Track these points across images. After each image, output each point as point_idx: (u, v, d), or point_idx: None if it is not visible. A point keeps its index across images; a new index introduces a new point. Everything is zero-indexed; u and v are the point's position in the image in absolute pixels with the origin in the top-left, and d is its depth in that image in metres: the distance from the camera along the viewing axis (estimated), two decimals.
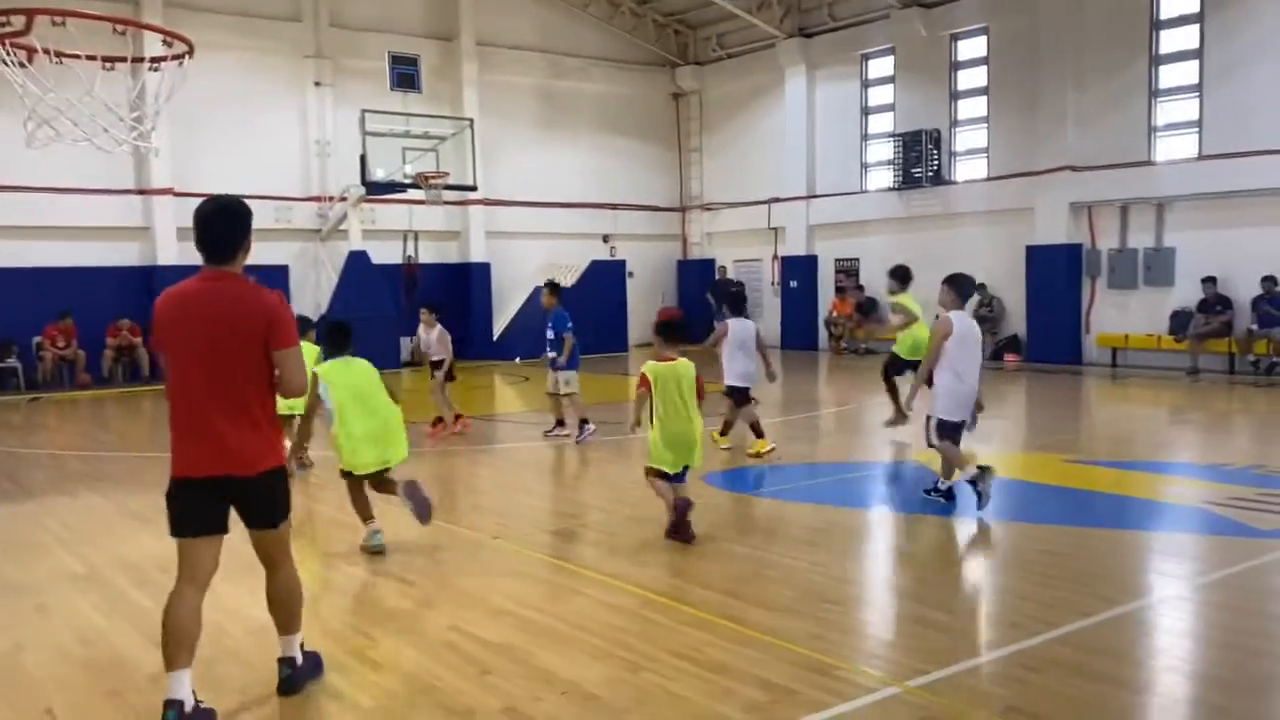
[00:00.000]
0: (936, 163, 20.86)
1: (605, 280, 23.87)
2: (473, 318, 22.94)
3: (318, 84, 21.47)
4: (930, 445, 8.31)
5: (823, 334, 23.44)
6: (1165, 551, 6.87)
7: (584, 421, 11.40)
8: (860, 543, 7.40)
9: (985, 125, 20.46)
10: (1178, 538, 7.21)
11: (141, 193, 19.49)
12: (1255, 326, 16.13)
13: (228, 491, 4.32)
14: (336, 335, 7.11)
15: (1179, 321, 17.23)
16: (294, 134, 21.37)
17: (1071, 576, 6.20)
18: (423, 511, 6.84)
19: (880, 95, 22.56)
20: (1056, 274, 18.81)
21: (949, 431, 7.90)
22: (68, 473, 10.23)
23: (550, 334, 11.45)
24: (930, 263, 21.11)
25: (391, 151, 19.73)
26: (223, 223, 4.34)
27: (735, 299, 11.71)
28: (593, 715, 4.31)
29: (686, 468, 7.22)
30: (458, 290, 22.74)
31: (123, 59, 6.99)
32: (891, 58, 22.07)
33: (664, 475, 7.12)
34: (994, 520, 7.78)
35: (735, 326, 10.84)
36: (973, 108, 20.75)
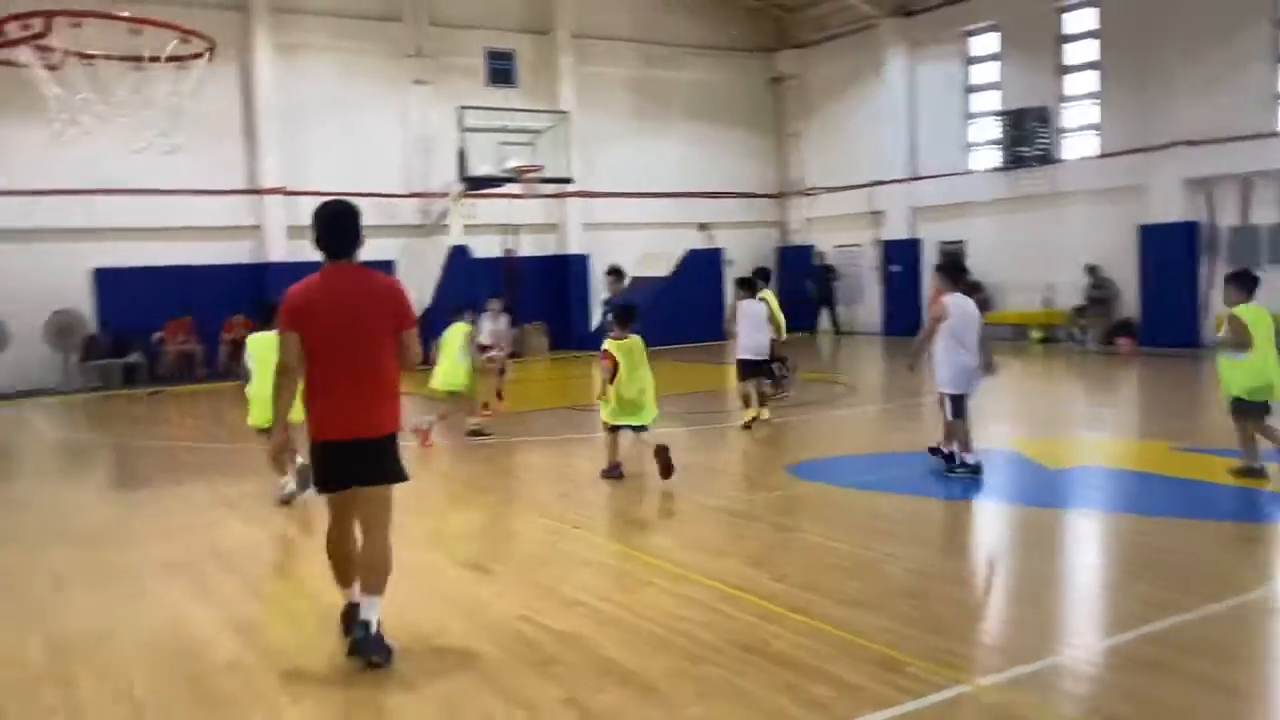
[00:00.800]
0: (1044, 141, 20.13)
1: (702, 269, 23.76)
2: (570, 309, 23.13)
3: (418, 82, 21.88)
4: (948, 420, 8.51)
5: (926, 320, 22.84)
6: (1276, 546, 6.49)
7: None
8: (944, 535, 7.19)
9: (1096, 100, 19.64)
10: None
11: (253, 193, 20.18)
12: None
13: (356, 452, 4.87)
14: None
15: None
16: (396, 132, 21.83)
17: (1171, 571, 5.90)
18: (667, 469, 8.37)
19: (984, 73, 21.88)
20: (1172, 254, 17.97)
21: (957, 404, 8.31)
22: (178, 463, 10.68)
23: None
24: (1039, 244, 20.56)
25: (489, 146, 19.99)
26: (340, 223, 4.97)
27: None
28: (652, 708, 4.28)
29: (645, 426, 8.71)
30: (556, 282, 22.95)
31: (155, 59, 7.22)
32: (996, 34, 21.37)
33: (619, 429, 8.72)
34: (1092, 511, 7.49)
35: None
36: (1082, 83, 19.95)
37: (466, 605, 5.68)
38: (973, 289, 9.02)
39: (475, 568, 6.43)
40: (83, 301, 18.66)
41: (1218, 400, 13.16)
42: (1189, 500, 7.68)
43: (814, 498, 8.23)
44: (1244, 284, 7.92)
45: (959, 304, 8.40)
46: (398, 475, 4.99)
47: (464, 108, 19.54)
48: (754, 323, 11.40)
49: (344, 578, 5.09)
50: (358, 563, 4.99)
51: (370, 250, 16.71)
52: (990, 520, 7.56)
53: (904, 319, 23.23)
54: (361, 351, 4.86)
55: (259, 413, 8.09)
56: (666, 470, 8.36)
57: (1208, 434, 10.36)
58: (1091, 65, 19.69)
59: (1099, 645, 4.84)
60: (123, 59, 6.10)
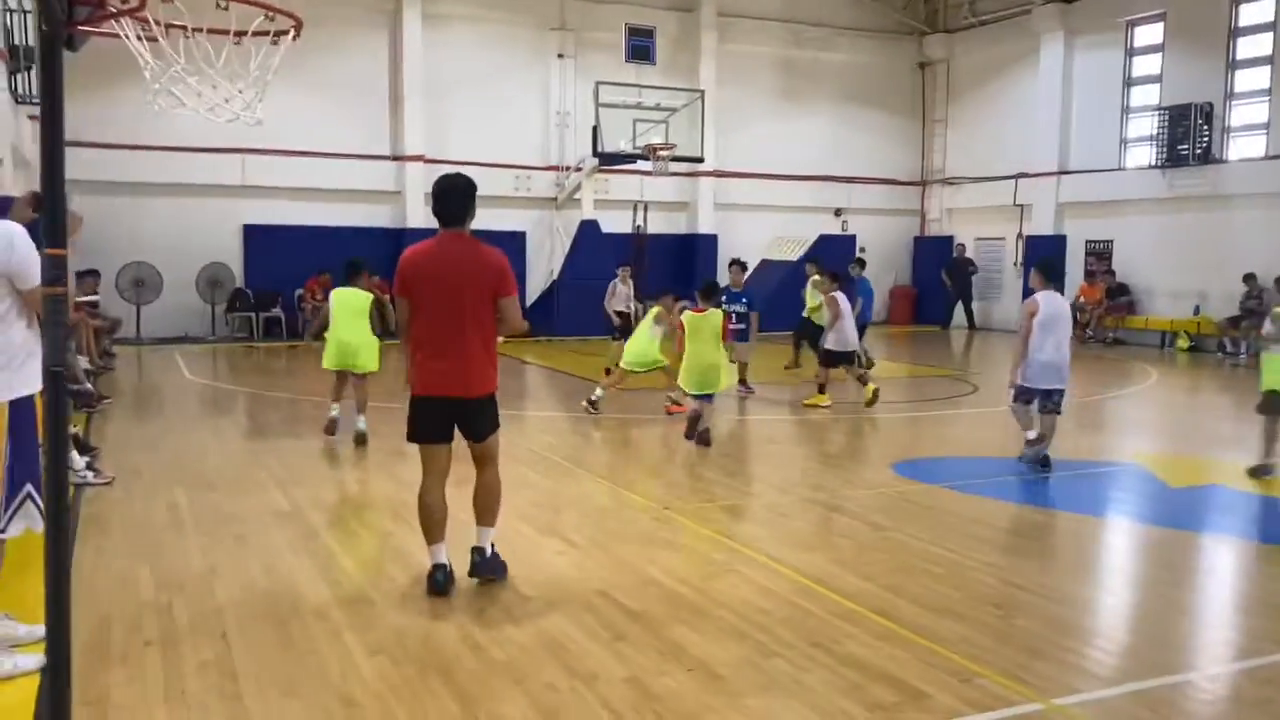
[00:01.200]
0: (1207, 139, 19.04)
1: (834, 256, 23.26)
2: (697, 288, 23.03)
3: (560, 56, 22.13)
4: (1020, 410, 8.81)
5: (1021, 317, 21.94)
6: None
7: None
8: (1045, 546, 6.91)
9: (1267, 99, 18.43)
10: None
11: (396, 159, 20.81)
12: None
13: (454, 408, 5.36)
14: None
15: None
16: (537, 105, 22.15)
17: (1274, 602, 5.55)
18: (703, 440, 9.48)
19: (1146, 65, 20.79)
20: None
21: (1023, 396, 8.64)
22: (300, 416, 11.15)
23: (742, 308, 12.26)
24: (1196, 248, 19.51)
25: (624, 123, 20.06)
26: (455, 196, 5.33)
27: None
28: (711, 694, 4.26)
29: (711, 395, 9.55)
30: (683, 261, 22.94)
31: (242, 33, 7.43)
32: (1161, 24, 20.26)
33: (691, 396, 9.59)
34: (1208, 533, 7.11)
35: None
36: (1252, 79, 18.76)
37: (545, 575, 5.77)
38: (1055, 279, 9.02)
39: (560, 538, 6.51)
40: (233, 256, 19.64)
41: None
42: None
43: (917, 497, 8.02)
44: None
45: (1050, 299, 8.60)
46: (494, 425, 5.50)
47: (600, 83, 19.65)
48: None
49: (431, 533, 5.44)
50: (474, 495, 5.56)
51: (504, 220, 17.51)
52: (1096, 535, 7.24)
53: None
54: (462, 316, 5.23)
55: (334, 357, 9.43)
56: (702, 440, 9.48)
57: None
58: (1265, 60, 18.46)
59: (1189, 676, 4.59)
60: (214, 32, 6.39)
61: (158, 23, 6.59)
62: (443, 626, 4.98)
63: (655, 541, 6.51)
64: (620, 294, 14.49)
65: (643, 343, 11.11)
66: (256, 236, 19.76)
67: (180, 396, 12.99)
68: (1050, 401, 8.63)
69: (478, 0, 21.31)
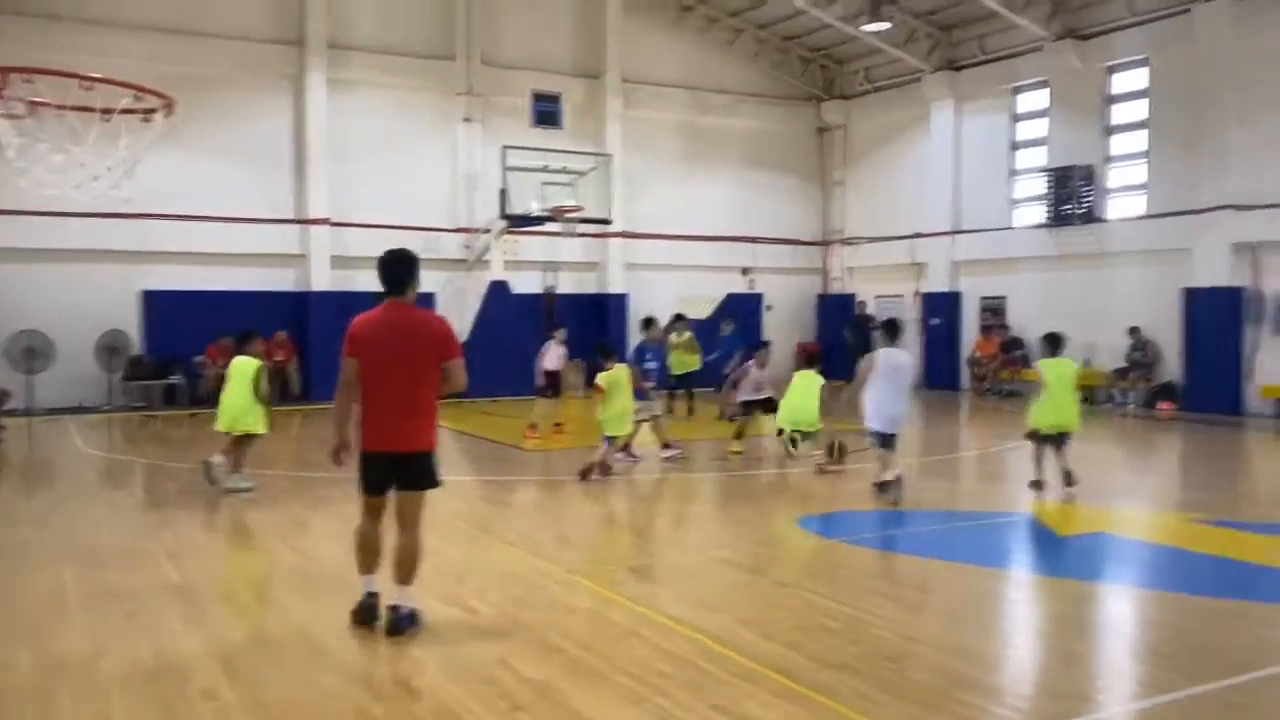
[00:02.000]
0: (1089, 199, 19.96)
1: (742, 313, 23.72)
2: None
3: (467, 120, 22.27)
4: (876, 448, 10.11)
5: (965, 374, 22.67)
6: (1278, 625, 6.31)
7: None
8: (942, 599, 7.08)
9: (1143, 161, 19.46)
10: None
11: (300, 222, 20.62)
12: None
13: (395, 463, 5.81)
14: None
15: None
16: (444, 168, 22.22)
17: (1164, 648, 5.79)
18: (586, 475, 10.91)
19: (1031, 129, 21.79)
20: (1216, 318, 17.66)
21: (882, 440, 9.94)
22: (198, 487, 10.84)
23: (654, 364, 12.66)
24: (1083, 303, 20.32)
25: (532, 186, 20.26)
26: (399, 268, 5.91)
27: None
28: None
29: (615, 437, 11.08)
30: (595, 321, 23.08)
31: (109, 111, 7.46)
32: (1044, 91, 21.29)
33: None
34: (1094, 582, 7.37)
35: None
36: (1129, 143, 19.78)
37: (445, 645, 5.71)
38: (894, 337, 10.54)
39: (462, 606, 6.46)
40: (131, 322, 19.14)
41: (1247, 471, 12.91)
42: (1197, 575, 7.51)
43: (821, 553, 8.17)
44: (1051, 343, 10.74)
45: (890, 355, 10.03)
46: (430, 483, 5.92)
47: (507, 147, 19.83)
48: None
49: (364, 562, 5.98)
50: (393, 557, 5.88)
51: None
52: (990, 586, 7.43)
53: (943, 371, 23.07)
54: (405, 378, 5.75)
55: (220, 420, 10.29)
56: (585, 474, 10.83)
57: (1232, 507, 10.14)
58: (1140, 125, 19.52)
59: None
60: (80, 110, 6.40)
61: (21, 100, 6.52)
62: (337, 703, 4.90)
63: (559, 607, 6.51)
64: (554, 354, 14.62)
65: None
66: (156, 302, 19.30)
67: (73, 468, 12.57)
68: (891, 442, 10.06)
69: (383, 66, 21.39)
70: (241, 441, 10.31)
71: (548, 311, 22.17)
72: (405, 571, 5.88)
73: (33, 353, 17.81)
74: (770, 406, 12.99)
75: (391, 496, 5.90)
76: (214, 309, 19.33)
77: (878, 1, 21.10)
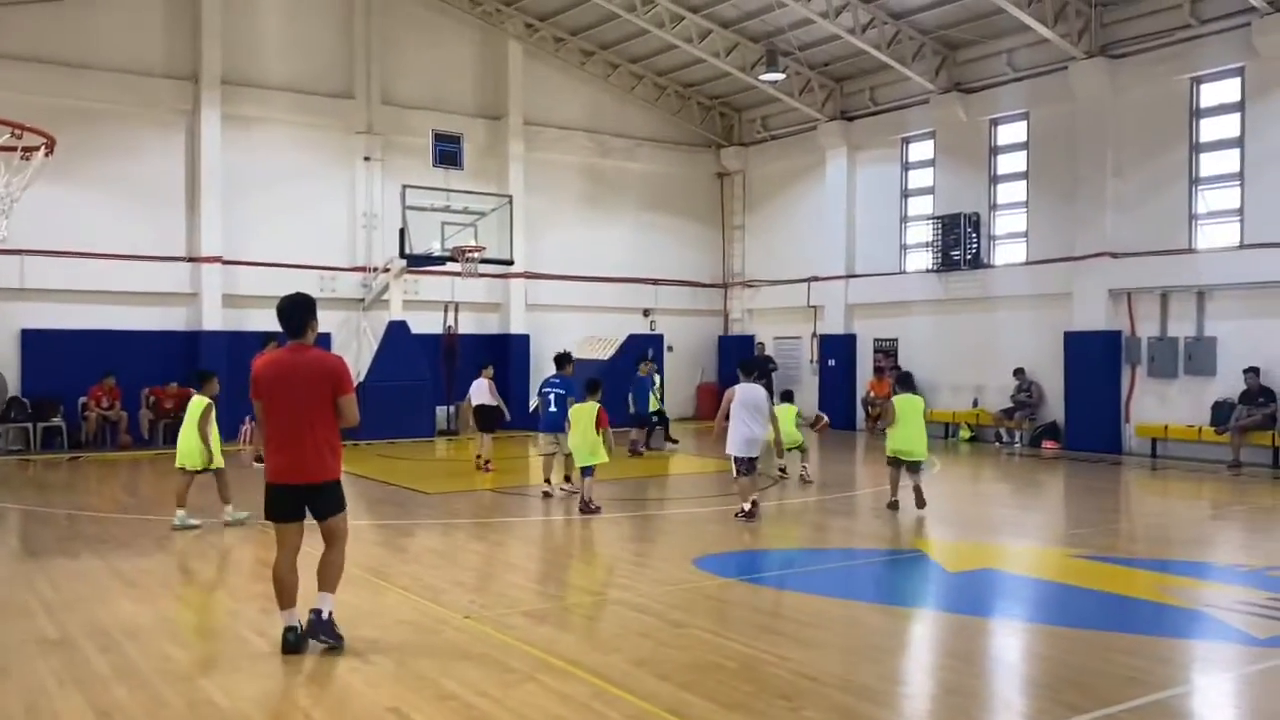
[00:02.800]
0: (975, 246, 20.75)
1: (642, 353, 23.90)
2: (510, 388, 23.08)
3: (367, 159, 22.13)
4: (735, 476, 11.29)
5: (860, 414, 23.20)
6: (1150, 656, 6.58)
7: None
8: (833, 635, 7.20)
9: (1024, 210, 20.34)
10: (1168, 643, 6.91)
11: (191, 260, 20.11)
12: None
13: (300, 493, 6.30)
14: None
15: (1221, 413, 16.76)
16: (342, 206, 21.98)
17: (1048, 681, 5.99)
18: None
19: (920, 178, 22.58)
20: (1095, 361, 18.46)
21: (743, 465, 11.12)
22: (77, 533, 10.44)
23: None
24: (970, 345, 21.05)
25: (433, 226, 20.17)
26: (295, 312, 6.34)
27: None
28: None
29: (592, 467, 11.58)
30: (496, 361, 22.91)
31: None
32: (931, 141, 22.12)
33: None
34: (986, 618, 7.59)
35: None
36: (1012, 192, 20.67)
37: (336, 695, 5.60)
38: (763, 377, 12.60)
39: (354, 654, 6.32)
40: (8, 363, 18.36)
41: (1124, 508, 13.47)
42: (1078, 609, 7.80)
43: (715, 592, 8.23)
44: (903, 381, 12.40)
45: (746, 390, 11.25)
46: (339, 507, 6.45)
47: (407, 187, 19.72)
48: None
49: (282, 599, 6.34)
50: (318, 565, 6.40)
51: None
52: (882, 622, 7.60)
53: (839, 412, 23.52)
54: (305, 415, 6.18)
55: (179, 457, 10.68)
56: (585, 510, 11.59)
57: (1109, 542, 10.56)
58: (1021, 175, 20.42)
59: None
60: None
61: None
62: None
63: (454, 653, 6.42)
64: (483, 390, 15.30)
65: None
66: (35, 342, 18.56)
67: None
68: (749, 466, 11.28)
69: (281, 103, 21.12)
70: (218, 475, 10.82)
71: (447, 352, 21.99)
72: (329, 580, 6.43)
73: None
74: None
75: (298, 526, 6.43)
76: (99, 349, 18.74)
77: (773, 52, 21.73)
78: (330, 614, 6.36)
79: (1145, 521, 12.40)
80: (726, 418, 11.25)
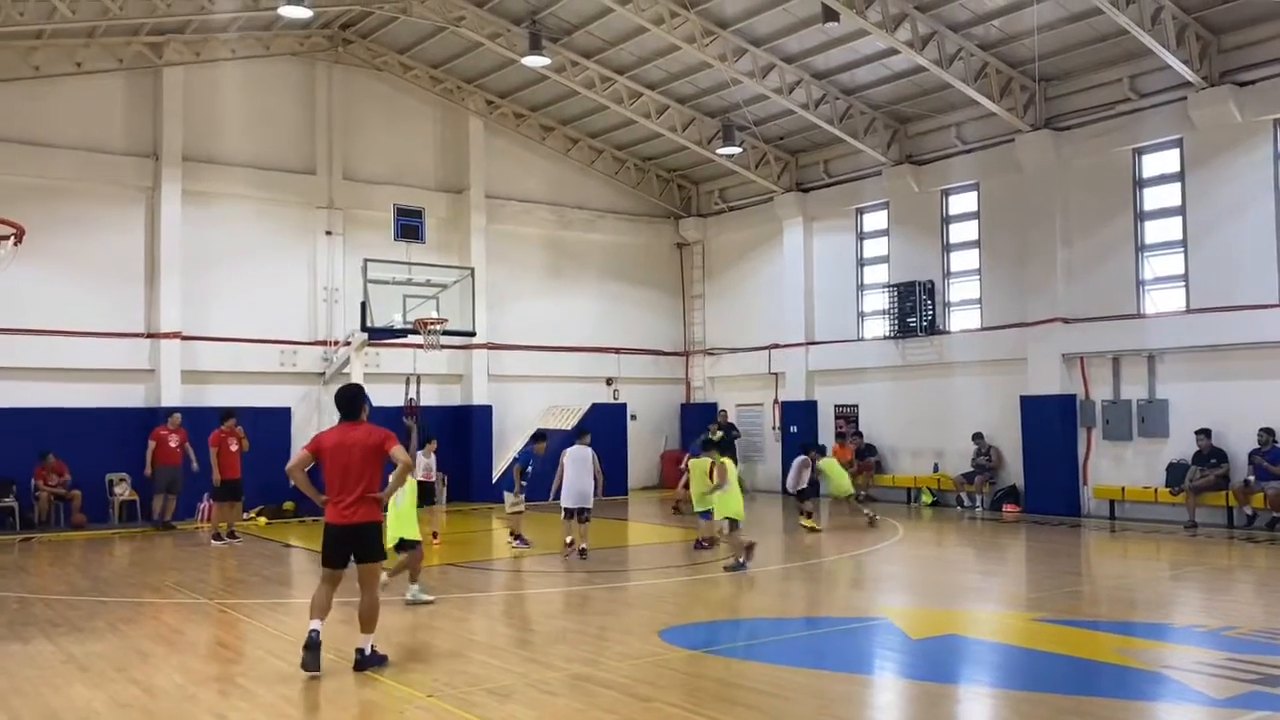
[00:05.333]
0: (931, 313, 21.12)
1: (606, 423, 23.93)
2: (473, 459, 23.02)
3: (328, 233, 22.21)
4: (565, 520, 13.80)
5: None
6: None
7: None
8: (802, 706, 7.19)
9: (977, 277, 20.77)
10: (1130, 705, 6.98)
11: (150, 336, 19.96)
12: (1252, 479, 15.93)
13: (347, 537, 7.86)
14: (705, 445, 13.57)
15: (1175, 474, 17.05)
16: (303, 280, 21.98)
17: None
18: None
19: (875, 247, 23.02)
20: (1051, 424, 18.74)
21: (570, 513, 13.72)
22: (29, 617, 10.20)
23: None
24: (929, 410, 21.31)
25: (394, 299, 20.17)
26: (354, 399, 8.18)
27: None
28: None
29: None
30: (459, 432, 22.90)
31: None
32: (885, 211, 22.61)
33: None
34: (950, 685, 7.62)
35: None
36: (965, 260, 21.12)
37: None
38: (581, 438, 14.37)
39: None
40: None
41: (1085, 571, 13.60)
42: (1041, 674, 7.85)
43: (681, 665, 8.19)
44: (721, 448, 14.07)
45: (575, 450, 13.94)
46: (378, 556, 8.10)
47: (369, 260, 19.79)
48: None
49: (313, 612, 7.83)
50: (358, 611, 7.92)
51: (268, 396, 17.82)
52: (847, 691, 7.59)
53: None
54: (352, 473, 7.82)
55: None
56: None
57: (1070, 605, 10.66)
58: (973, 244, 20.89)
59: None
60: None
61: None
62: None
63: None
64: (422, 465, 15.34)
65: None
66: None
67: None
68: (582, 516, 13.65)
69: (242, 178, 21.20)
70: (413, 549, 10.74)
71: (410, 424, 21.84)
72: (367, 623, 7.89)
73: None
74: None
75: (339, 573, 7.98)
76: (53, 427, 18.45)
77: (730, 127, 22.21)
78: (372, 647, 7.87)
79: (1106, 583, 12.53)
80: (687, 485, 13.33)
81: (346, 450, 7.85)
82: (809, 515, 17.10)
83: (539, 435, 15.59)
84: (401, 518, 10.51)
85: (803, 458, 17.54)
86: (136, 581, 12.71)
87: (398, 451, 7.87)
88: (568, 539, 13.82)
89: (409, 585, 10.61)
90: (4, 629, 9.69)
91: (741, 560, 12.43)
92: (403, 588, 10.70)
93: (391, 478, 8.13)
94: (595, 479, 13.82)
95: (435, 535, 15.36)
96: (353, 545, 7.88)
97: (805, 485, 17.33)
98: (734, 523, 12.98)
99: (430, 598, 10.64)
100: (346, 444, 7.88)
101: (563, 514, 13.81)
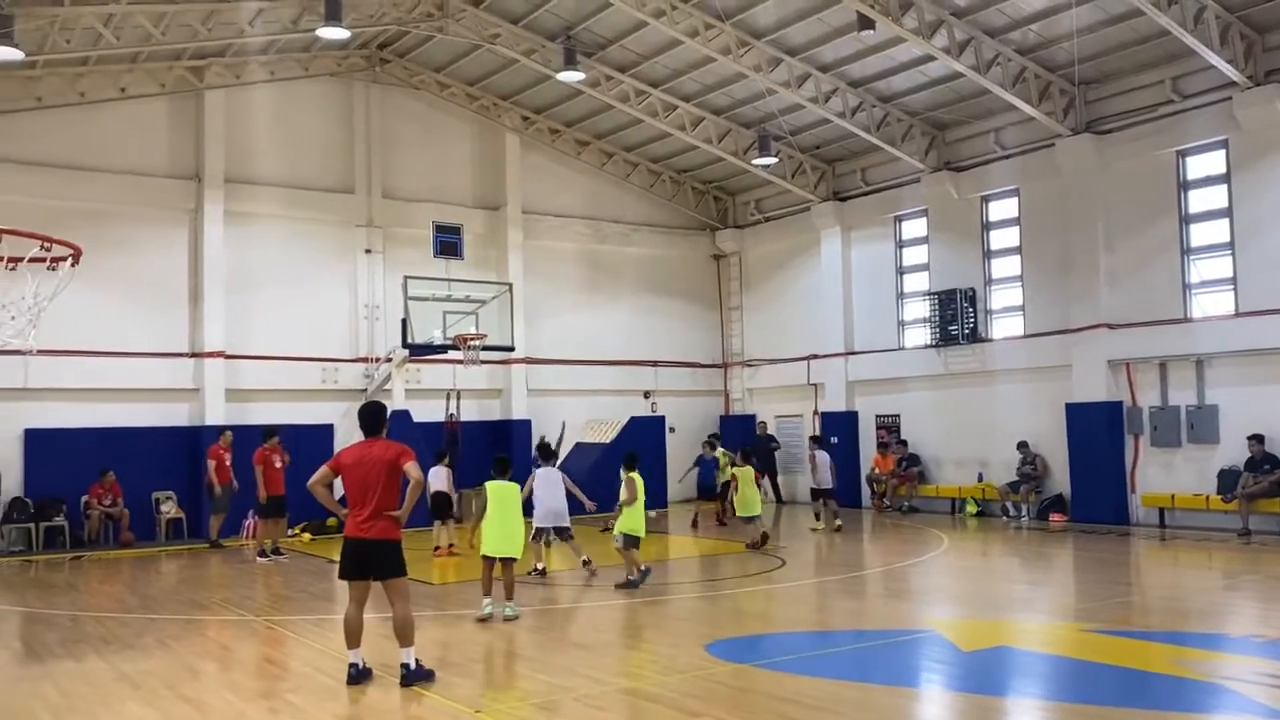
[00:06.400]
0: (972, 320, 20.90)
1: (645, 436, 23.89)
2: (513, 474, 23.00)
3: (368, 251, 22.42)
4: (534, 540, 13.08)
5: (865, 491, 23.09)
6: None
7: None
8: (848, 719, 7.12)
9: (1019, 284, 20.53)
10: (1185, 718, 6.82)
11: (194, 355, 20.23)
12: None
13: (363, 551, 7.97)
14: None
15: (1226, 480, 16.71)
16: (344, 298, 22.19)
17: None
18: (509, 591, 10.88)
19: (914, 255, 22.84)
20: (1098, 432, 18.45)
21: (543, 533, 13.27)
22: (82, 635, 10.34)
23: None
24: (972, 419, 21.07)
25: (434, 315, 20.32)
26: (375, 416, 8.29)
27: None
28: None
29: (513, 559, 10.80)
30: (499, 447, 22.89)
31: (18, 259, 7.63)
32: (924, 219, 22.43)
33: (490, 560, 10.71)
34: (1003, 698, 7.49)
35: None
36: (1006, 266, 20.88)
37: None
38: (550, 458, 13.95)
39: None
40: (11, 463, 18.33)
41: (1135, 580, 13.35)
42: (1095, 686, 7.70)
43: (729, 679, 8.13)
44: (629, 462, 12.98)
45: (544, 472, 13.19)
46: (398, 573, 8.04)
47: (409, 278, 19.95)
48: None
49: (349, 641, 8.01)
50: (393, 625, 7.98)
51: (311, 413, 17.96)
52: (899, 705, 7.50)
53: (843, 489, 23.38)
54: (373, 487, 7.89)
55: (500, 544, 10.60)
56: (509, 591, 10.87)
57: (1121, 615, 10.46)
58: (1015, 250, 20.65)
59: None
60: None
61: None
62: None
63: None
64: (440, 477, 15.89)
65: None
66: (39, 441, 18.55)
67: None
68: (562, 534, 13.33)
69: (282, 198, 21.47)
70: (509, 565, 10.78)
71: (450, 440, 21.97)
72: (403, 637, 7.93)
73: None
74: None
75: (364, 585, 8.07)
76: (101, 446, 18.73)
77: (766, 137, 22.17)
78: (416, 661, 7.90)
79: (1157, 593, 12.29)
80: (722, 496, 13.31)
81: (365, 465, 7.99)
82: (819, 517, 18.81)
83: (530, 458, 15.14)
84: (511, 535, 10.65)
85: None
86: (184, 599, 12.84)
87: (411, 467, 7.96)
88: (538, 565, 13.48)
89: (505, 602, 10.62)
90: (58, 647, 9.83)
91: (634, 579, 12.27)
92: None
93: (408, 493, 8.09)
94: (574, 496, 13.21)
95: (451, 547, 16.05)
96: (370, 561, 7.96)
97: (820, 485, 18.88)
98: (632, 539, 12.44)
99: (493, 611, 10.57)
100: (365, 459, 8.01)
101: (532, 534, 13.04)
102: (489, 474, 11.19)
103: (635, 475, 12.67)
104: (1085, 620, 10.10)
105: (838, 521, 18.60)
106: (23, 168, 18.76)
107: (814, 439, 20.29)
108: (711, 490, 20.82)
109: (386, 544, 7.93)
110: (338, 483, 8.33)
